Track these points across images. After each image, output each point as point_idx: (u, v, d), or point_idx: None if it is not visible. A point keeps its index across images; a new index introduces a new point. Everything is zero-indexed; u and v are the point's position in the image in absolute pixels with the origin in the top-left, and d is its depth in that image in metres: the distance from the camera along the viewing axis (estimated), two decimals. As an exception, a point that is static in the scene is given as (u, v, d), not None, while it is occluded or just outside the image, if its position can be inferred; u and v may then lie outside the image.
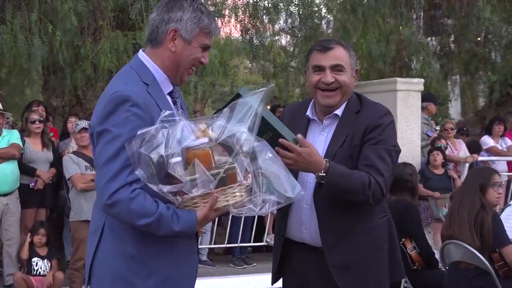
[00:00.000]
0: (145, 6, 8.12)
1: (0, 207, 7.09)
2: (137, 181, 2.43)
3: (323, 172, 2.88)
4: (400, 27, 10.95)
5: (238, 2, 10.23)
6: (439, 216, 8.56)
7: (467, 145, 10.26)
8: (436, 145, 9.52)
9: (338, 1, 11.53)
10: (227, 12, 9.98)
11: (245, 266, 8.31)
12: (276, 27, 11.24)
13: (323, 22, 12.09)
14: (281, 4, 10.18)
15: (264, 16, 10.32)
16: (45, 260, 7.08)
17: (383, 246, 3.17)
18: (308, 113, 3.19)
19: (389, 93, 9.47)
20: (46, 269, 7.04)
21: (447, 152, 9.53)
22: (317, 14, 11.09)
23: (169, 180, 2.38)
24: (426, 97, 10.16)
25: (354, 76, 3.14)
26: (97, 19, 8.52)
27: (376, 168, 2.97)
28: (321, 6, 11.79)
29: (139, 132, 2.40)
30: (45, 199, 7.63)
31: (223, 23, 10.03)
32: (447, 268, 5.20)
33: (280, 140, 2.85)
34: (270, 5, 10.18)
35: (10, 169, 7.16)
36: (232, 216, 8.14)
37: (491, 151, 10.23)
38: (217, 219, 8.16)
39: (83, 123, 7.10)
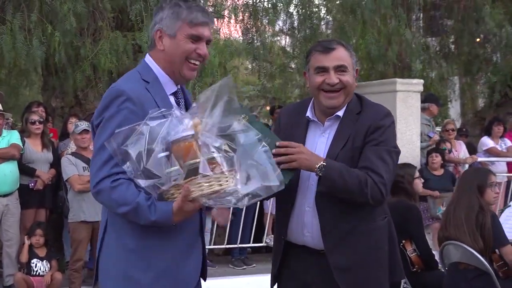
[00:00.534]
0: (144, 6, 8.12)
1: (0, 208, 7.09)
2: (124, 171, 2.55)
3: (322, 163, 2.90)
4: (399, 29, 10.92)
5: (238, 2, 10.22)
6: (436, 215, 8.58)
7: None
8: (440, 147, 9.52)
9: (337, 2, 11.52)
10: (226, 12, 9.97)
11: (245, 267, 8.31)
12: (276, 28, 11.24)
13: (322, 23, 12.08)
14: (280, 5, 10.17)
15: (263, 17, 10.31)
16: (44, 261, 7.09)
17: (383, 247, 3.18)
18: (308, 114, 3.17)
19: (389, 94, 9.47)
20: (45, 270, 7.05)
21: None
22: (316, 15, 11.09)
23: (149, 174, 2.47)
24: (428, 98, 10.17)
25: (355, 76, 3.14)
26: (97, 20, 8.52)
27: (376, 169, 2.97)
28: (321, 7, 11.79)
29: (117, 131, 2.54)
30: (44, 200, 7.64)
31: (223, 24, 10.03)
32: (446, 269, 5.20)
33: (279, 143, 2.91)
34: (269, 5, 10.17)
35: (10, 169, 7.16)
36: (232, 216, 8.14)
37: (491, 152, 10.23)
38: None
39: (84, 125, 7.10)
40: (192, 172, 2.44)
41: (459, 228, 4.90)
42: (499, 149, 10.32)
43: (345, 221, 3.02)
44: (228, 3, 10.08)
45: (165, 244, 2.68)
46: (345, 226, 3.03)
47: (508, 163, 10.29)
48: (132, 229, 2.66)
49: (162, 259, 2.68)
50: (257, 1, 10.30)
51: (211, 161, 2.43)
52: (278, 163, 2.84)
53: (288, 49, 12.37)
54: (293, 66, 11.81)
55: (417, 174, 5.94)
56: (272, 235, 7.53)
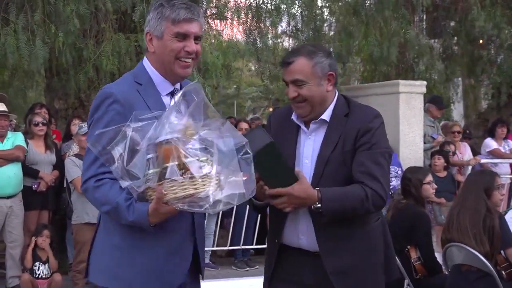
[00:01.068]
0: (147, 8, 8.12)
1: (4, 210, 7.10)
2: (110, 171, 2.61)
3: (318, 204, 2.89)
4: (402, 30, 10.92)
5: (241, 4, 10.23)
6: (442, 222, 8.54)
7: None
8: (444, 149, 9.51)
9: (340, 4, 11.53)
10: (229, 14, 9.97)
11: (248, 268, 8.30)
12: (279, 29, 11.26)
13: (325, 25, 12.08)
14: (283, 6, 10.18)
15: (267, 19, 10.31)
16: (47, 264, 7.13)
17: (379, 250, 3.18)
18: (293, 117, 3.17)
19: (392, 95, 9.48)
20: (47, 273, 7.10)
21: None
22: (319, 17, 11.09)
23: (130, 175, 2.53)
24: (429, 99, 10.16)
25: (330, 81, 3.09)
26: (100, 22, 8.53)
27: (373, 175, 2.97)
28: (324, 9, 11.80)
29: (98, 131, 2.61)
30: (47, 201, 7.65)
31: (226, 25, 10.04)
32: (449, 270, 5.19)
33: (268, 191, 2.89)
34: (272, 7, 10.17)
35: (14, 171, 7.17)
36: (235, 218, 8.14)
37: (494, 154, 10.21)
38: (219, 221, 8.16)
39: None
40: (163, 175, 2.48)
41: (463, 231, 4.88)
42: (503, 150, 10.31)
43: (340, 225, 3.00)
44: (231, 5, 10.08)
45: (152, 243, 2.73)
46: (340, 230, 3.02)
47: (512, 165, 10.28)
48: (121, 226, 2.72)
49: (147, 257, 2.74)
50: (260, 3, 10.30)
51: (183, 166, 2.45)
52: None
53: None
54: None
55: (428, 179, 5.88)
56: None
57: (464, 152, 10.11)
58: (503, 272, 4.94)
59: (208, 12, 9.90)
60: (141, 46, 8.15)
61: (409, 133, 9.38)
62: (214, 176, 2.48)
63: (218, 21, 9.87)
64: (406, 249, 5.54)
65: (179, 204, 2.48)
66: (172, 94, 2.83)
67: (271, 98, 17.21)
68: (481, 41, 12.75)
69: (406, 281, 5.54)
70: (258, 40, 10.47)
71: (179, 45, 2.78)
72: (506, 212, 5.81)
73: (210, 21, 9.99)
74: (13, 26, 7.87)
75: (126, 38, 8.37)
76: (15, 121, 8.52)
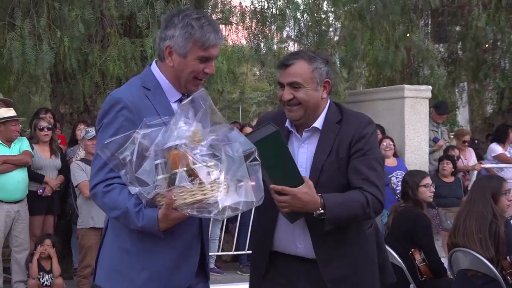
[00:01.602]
0: (151, 13, 8.13)
1: (12, 214, 7.11)
2: (119, 176, 2.61)
3: (321, 210, 2.87)
4: (408, 34, 10.92)
5: (246, 9, 10.24)
6: (448, 227, 8.52)
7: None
8: (449, 154, 9.50)
9: (346, 8, 11.52)
10: (234, 19, 9.98)
11: (253, 273, 8.28)
12: (284, 34, 11.25)
13: (330, 29, 12.09)
14: (288, 11, 10.18)
15: (272, 24, 10.32)
16: (50, 274, 7.18)
17: (374, 256, 3.18)
18: (287, 124, 3.15)
19: (397, 100, 9.47)
20: (51, 282, 7.15)
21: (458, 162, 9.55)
22: (324, 21, 11.09)
23: (139, 182, 2.53)
24: (433, 104, 10.15)
25: (325, 88, 3.08)
26: (105, 26, 8.55)
27: (370, 181, 2.97)
28: (329, 13, 11.80)
29: (108, 140, 2.61)
30: (53, 206, 7.66)
31: (231, 30, 10.05)
32: (454, 275, 5.17)
33: (271, 186, 2.84)
34: (277, 12, 10.18)
35: (22, 176, 7.20)
36: (240, 223, 8.14)
37: (500, 158, 10.18)
38: (224, 226, 8.16)
39: (95, 131, 7.13)
40: (173, 182, 2.48)
41: (468, 235, 4.86)
42: (508, 155, 10.28)
43: (336, 232, 2.98)
44: (237, 10, 10.09)
45: (161, 247, 2.74)
46: (336, 237, 3.00)
47: (517, 170, 10.24)
48: (130, 231, 2.73)
49: (156, 261, 2.75)
50: (266, 8, 10.32)
51: (192, 172, 2.45)
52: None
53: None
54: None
55: (425, 182, 5.87)
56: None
57: (469, 158, 10.09)
58: (509, 278, 4.91)
59: (213, 17, 9.91)
60: (146, 50, 8.16)
61: (415, 138, 9.37)
62: (222, 182, 2.48)
63: (224, 26, 9.87)
64: (410, 252, 5.53)
65: (188, 209, 2.48)
66: (180, 101, 2.84)
67: (276, 103, 17.21)
68: (485, 46, 12.73)
69: (412, 286, 5.53)
70: (263, 44, 10.48)
71: (200, 66, 2.79)
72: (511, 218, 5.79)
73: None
74: (19, 31, 7.89)
75: (131, 43, 8.39)
76: (21, 125, 8.54)
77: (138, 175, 2.51)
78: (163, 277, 2.75)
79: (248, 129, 8.89)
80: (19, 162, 7.18)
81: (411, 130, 9.35)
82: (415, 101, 9.42)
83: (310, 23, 10.71)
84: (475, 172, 9.60)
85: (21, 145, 7.30)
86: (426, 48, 11.54)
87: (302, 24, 10.87)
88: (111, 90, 8.30)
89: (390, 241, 5.65)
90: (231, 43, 9.66)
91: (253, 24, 10.26)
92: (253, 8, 10.27)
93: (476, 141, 11.51)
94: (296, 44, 12.00)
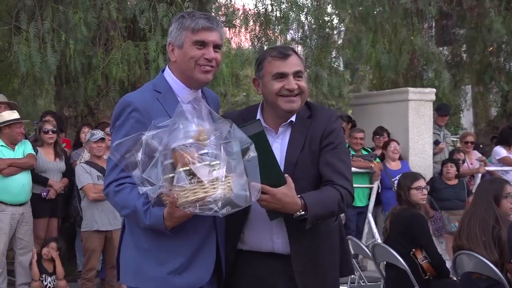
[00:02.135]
0: (154, 16, 8.14)
1: (17, 217, 7.14)
2: (130, 176, 2.74)
3: (302, 211, 2.87)
4: (412, 37, 10.91)
5: (249, 12, 10.24)
6: (451, 231, 8.51)
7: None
8: (454, 157, 9.48)
9: (349, 11, 11.52)
10: (238, 22, 9.98)
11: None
12: (288, 37, 11.25)
13: (335, 32, 12.08)
14: (291, 14, 10.18)
15: (276, 27, 10.32)
16: (53, 276, 7.19)
17: (337, 249, 3.24)
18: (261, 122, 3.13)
19: (401, 103, 9.47)
20: (54, 284, 7.17)
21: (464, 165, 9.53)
22: (328, 24, 11.09)
23: (148, 182, 2.61)
24: (436, 107, 10.14)
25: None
26: (109, 30, 8.56)
27: (341, 173, 3.02)
28: (333, 16, 11.80)
29: (117, 141, 2.72)
30: (57, 209, 7.68)
31: (234, 33, 10.05)
32: (459, 278, 5.17)
33: (252, 184, 2.76)
34: (281, 15, 10.18)
35: (26, 179, 7.23)
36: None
37: (504, 161, 10.16)
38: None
39: (100, 133, 7.15)
40: (173, 181, 2.55)
41: (472, 238, 4.86)
42: (512, 158, 10.26)
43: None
44: (240, 13, 10.09)
45: (177, 244, 2.82)
46: (308, 230, 2.99)
47: (522, 173, 10.21)
48: (145, 230, 2.83)
49: (174, 257, 2.83)
50: (270, 11, 10.32)
51: (191, 172, 2.51)
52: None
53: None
54: (305, 74, 11.82)
55: (416, 184, 5.81)
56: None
57: (475, 162, 10.07)
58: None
59: (216, 19, 9.90)
60: (149, 53, 8.17)
61: (418, 141, 9.37)
62: (223, 179, 2.53)
63: (227, 29, 9.87)
64: (412, 252, 5.53)
65: (190, 208, 2.54)
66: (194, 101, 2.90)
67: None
68: (491, 48, 12.72)
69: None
70: (266, 47, 10.46)
71: (198, 52, 2.89)
72: (516, 220, 5.78)
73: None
74: (24, 34, 7.92)
75: (135, 46, 8.39)
76: (26, 129, 8.56)
77: (145, 175, 2.58)
78: (181, 273, 2.83)
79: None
80: (25, 165, 7.20)
81: (415, 133, 9.34)
82: (419, 104, 9.42)
83: (314, 26, 10.71)
84: (479, 175, 9.59)
85: (25, 148, 7.32)
86: (431, 51, 11.53)
87: (306, 27, 10.87)
88: (114, 93, 8.37)
89: (390, 244, 5.65)
90: (234, 46, 9.64)
91: (257, 27, 10.26)
92: (256, 11, 10.26)
93: (481, 146, 11.48)
94: (300, 47, 12.00)
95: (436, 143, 9.82)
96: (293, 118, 3.11)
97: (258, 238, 3.09)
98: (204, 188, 2.51)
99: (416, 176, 6.01)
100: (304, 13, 10.48)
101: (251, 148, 2.65)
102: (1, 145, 7.17)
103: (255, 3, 10.35)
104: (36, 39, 7.92)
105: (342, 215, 8.06)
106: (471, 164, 9.96)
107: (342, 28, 12.83)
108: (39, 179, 7.48)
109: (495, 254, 4.78)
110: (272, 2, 10.16)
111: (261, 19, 10.21)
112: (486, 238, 4.82)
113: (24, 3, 8.15)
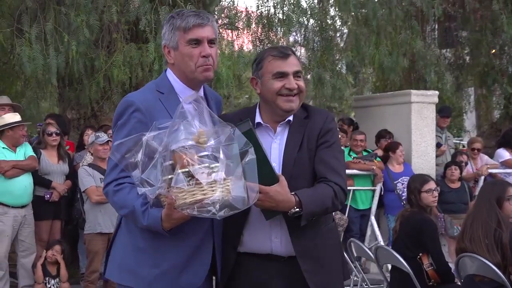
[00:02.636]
0: (156, 19, 8.14)
1: (19, 219, 7.14)
2: (130, 176, 2.71)
3: (297, 208, 2.88)
4: (412, 40, 10.90)
5: (252, 14, 10.25)
6: (453, 235, 8.49)
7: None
8: (457, 160, 9.46)
9: (352, 13, 11.52)
10: (240, 24, 9.99)
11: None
12: (291, 39, 11.25)
13: (337, 34, 12.07)
14: (294, 16, 10.18)
15: (278, 29, 10.33)
16: (57, 278, 7.20)
17: (340, 248, 3.28)
18: (259, 120, 3.14)
19: (404, 105, 9.46)
20: (58, 285, 7.18)
21: (467, 168, 9.50)
22: (331, 26, 11.09)
23: (147, 183, 2.61)
24: (438, 109, 10.13)
25: None
26: (111, 32, 8.57)
27: (335, 170, 3.05)
28: (336, 18, 11.79)
29: (116, 142, 2.72)
30: (60, 211, 7.68)
31: (237, 35, 10.05)
32: (462, 281, 5.16)
33: (249, 184, 2.75)
34: (283, 17, 10.18)
35: (29, 181, 7.23)
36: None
37: (507, 164, 10.13)
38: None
39: (105, 136, 7.15)
40: (172, 182, 2.55)
41: (475, 241, 4.86)
42: (516, 161, 10.23)
43: (309, 225, 2.98)
44: (243, 15, 10.10)
45: (173, 245, 2.81)
46: (311, 228, 3.01)
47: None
48: (142, 230, 2.82)
49: (168, 259, 2.82)
50: (272, 13, 10.32)
51: (189, 173, 2.51)
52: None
53: (303, 60, 12.37)
54: (308, 77, 11.80)
55: (427, 187, 5.78)
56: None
57: (479, 165, 10.04)
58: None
59: (219, 22, 9.92)
60: (149, 56, 8.17)
61: (421, 143, 9.36)
62: (222, 182, 2.54)
63: (230, 31, 9.89)
64: (418, 256, 5.51)
65: (188, 209, 2.53)
66: (196, 101, 2.87)
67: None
68: (493, 51, 12.70)
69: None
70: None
71: (195, 51, 2.87)
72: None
73: (221, 30, 10.01)
74: (27, 36, 7.93)
75: (137, 49, 8.40)
76: (29, 131, 8.58)
77: (144, 176, 2.58)
78: (173, 275, 2.81)
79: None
80: (27, 167, 7.21)
81: (418, 135, 9.33)
82: (422, 106, 9.41)
83: (316, 28, 10.71)
84: (482, 178, 9.57)
85: (26, 150, 7.33)
86: (431, 54, 11.51)
87: (308, 29, 10.87)
88: (117, 96, 8.38)
89: (398, 246, 5.64)
90: (237, 48, 9.65)
91: (259, 29, 10.26)
92: (259, 13, 10.27)
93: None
94: (302, 49, 12.00)
95: (437, 145, 9.81)
96: (290, 118, 3.12)
97: (256, 239, 3.07)
98: (203, 190, 2.51)
99: (426, 179, 5.97)
100: (307, 15, 10.47)
101: (250, 151, 2.65)
102: (3, 147, 7.18)
103: (257, 5, 10.37)
104: (39, 41, 7.93)
105: (346, 217, 8.11)
106: (476, 169, 9.93)
107: (345, 31, 12.81)
108: (42, 181, 7.48)
109: (498, 257, 4.77)
110: (275, 4, 10.18)
111: (263, 21, 10.23)
112: (489, 241, 4.81)
113: (26, 5, 8.16)
